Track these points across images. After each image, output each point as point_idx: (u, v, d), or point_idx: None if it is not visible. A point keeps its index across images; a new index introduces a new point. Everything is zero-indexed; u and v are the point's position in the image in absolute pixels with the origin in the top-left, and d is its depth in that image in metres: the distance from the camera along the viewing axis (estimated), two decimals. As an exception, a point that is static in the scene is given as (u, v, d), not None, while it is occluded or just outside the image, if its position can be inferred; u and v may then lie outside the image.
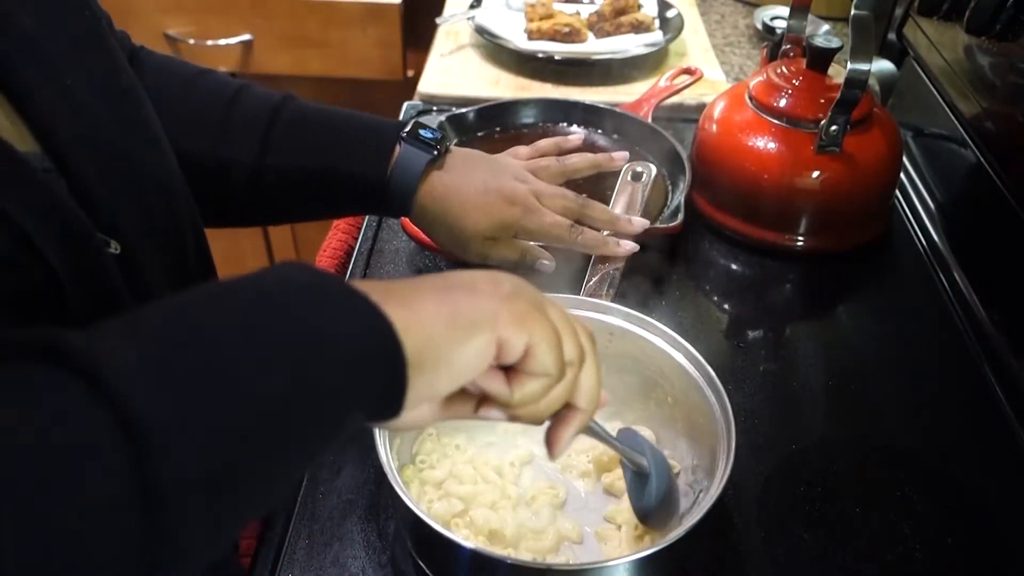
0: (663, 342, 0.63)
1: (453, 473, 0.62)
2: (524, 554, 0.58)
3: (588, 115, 1.02)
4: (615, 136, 1.00)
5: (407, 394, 0.37)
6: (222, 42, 1.59)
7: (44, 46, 0.48)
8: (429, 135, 0.68)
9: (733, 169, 0.88)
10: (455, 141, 0.95)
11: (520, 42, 1.21)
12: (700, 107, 0.99)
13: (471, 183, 0.69)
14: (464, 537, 0.56)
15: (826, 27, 1.24)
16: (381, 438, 0.56)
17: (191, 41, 1.59)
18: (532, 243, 0.72)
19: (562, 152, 0.78)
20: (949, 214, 0.94)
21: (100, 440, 0.28)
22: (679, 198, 0.87)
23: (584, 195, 0.73)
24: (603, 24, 1.24)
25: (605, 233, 0.74)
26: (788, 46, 0.92)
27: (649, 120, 0.99)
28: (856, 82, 0.77)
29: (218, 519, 0.31)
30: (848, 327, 0.85)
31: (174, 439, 0.29)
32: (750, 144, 0.86)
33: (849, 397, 0.75)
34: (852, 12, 0.78)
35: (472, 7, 1.29)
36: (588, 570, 0.53)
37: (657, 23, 1.26)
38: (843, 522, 0.63)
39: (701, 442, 0.62)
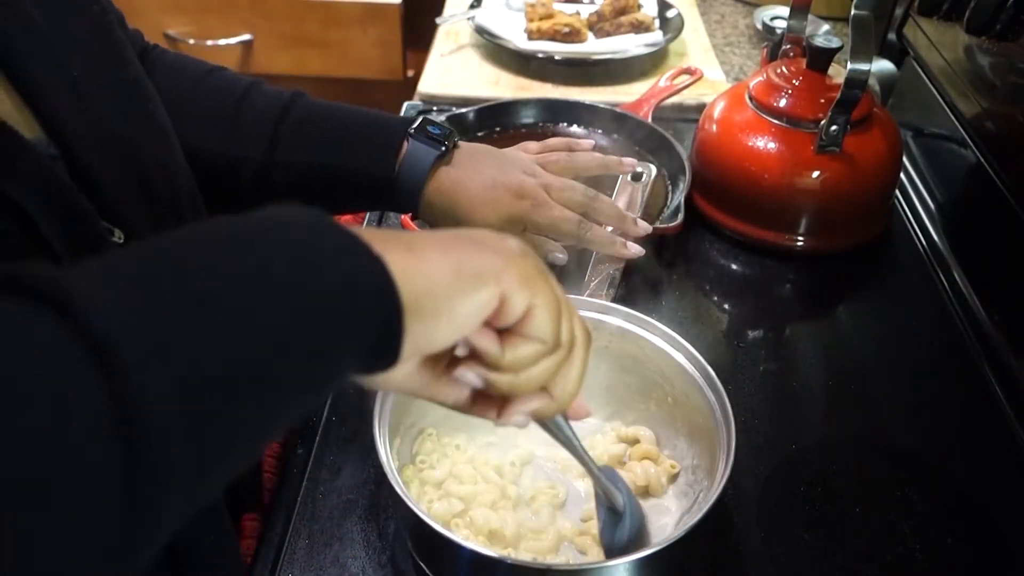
0: (663, 342, 0.63)
1: (453, 473, 0.62)
2: (524, 554, 0.58)
3: (588, 115, 1.02)
4: (615, 136, 1.00)
5: (404, 340, 0.36)
6: (222, 42, 1.59)
7: (51, 37, 0.49)
8: (437, 131, 0.69)
9: (733, 169, 0.88)
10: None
11: (520, 42, 1.21)
12: (700, 107, 0.99)
13: (479, 178, 0.69)
14: (464, 537, 0.56)
15: (826, 27, 1.24)
16: (381, 438, 0.56)
17: (191, 41, 1.59)
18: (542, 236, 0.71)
19: (572, 150, 0.78)
20: (949, 214, 0.94)
21: (70, 367, 0.26)
22: (679, 198, 0.87)
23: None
24: (603, 24, 1.24)
25: (608, 230, 0.74)
26: (788, 46, 0.92)
27: (649, 120, 0.99)
28: (856, 82, 0.77)
29: (201, 454, 0.29)
30: (848, 327, 0.85)
31: (151, 364, 0.27)
32: (750, 144, 0.86)
33: (849, 397, 0.75)
34: (852, 12, 0.78)
35: (472, 7, 1.29)
36: (588, 570, 0.53)
37: (657, 23, 1.26)
38: (843, 522, 0.63)
39: (701, 442, 0.62)
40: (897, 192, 0.96)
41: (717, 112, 0.92)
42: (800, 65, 0.88)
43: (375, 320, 0.35)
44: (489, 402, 0.44)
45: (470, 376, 0.41)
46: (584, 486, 0.64)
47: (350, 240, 0.35)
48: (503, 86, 1.17)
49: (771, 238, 0.88)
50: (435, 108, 1.12)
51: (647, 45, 1.21)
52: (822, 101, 0.84)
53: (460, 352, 0.41)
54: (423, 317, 0.36)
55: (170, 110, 0.59)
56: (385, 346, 0.36)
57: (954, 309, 0.84)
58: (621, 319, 0.65)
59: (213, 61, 0.74)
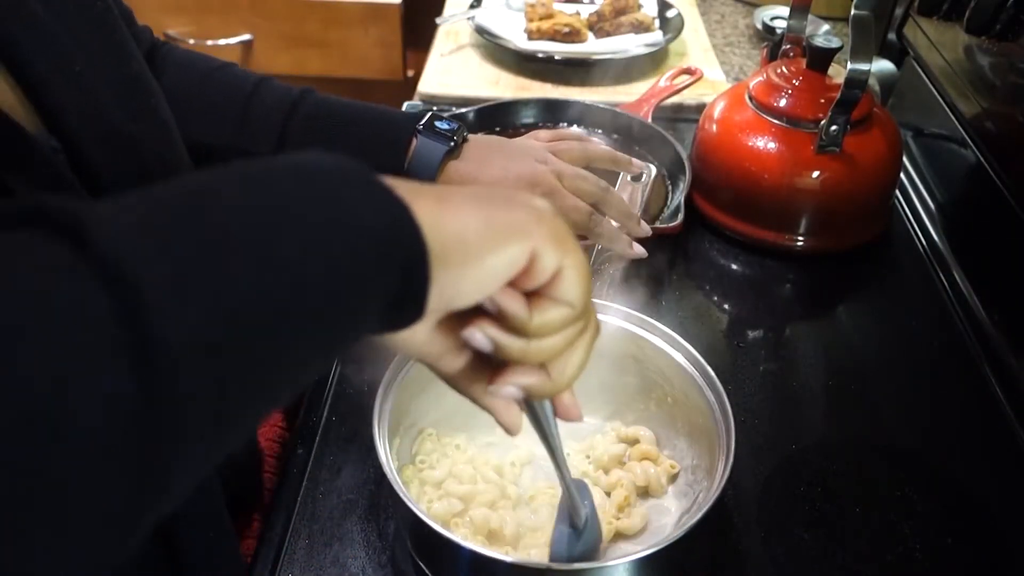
0: (663, 342, 0.63)
1: (453, 473, 0.62)
2: (523, 553, 0.58)
3: (588, 115, 1.02)
4: (615, 136, 1.00)
5: (430, 290, 0.34)
6: (222, 42, 1.59)
7: (54, 32, 0.49)
8: (445, 126, 0.69)
9: (733, 169, 0.88)
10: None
11: (520, 42, 1.21)
12: (700, 107, 0.99)
13: (489, 170, 0.68)
14: (463, 536, 0.56)
15: (826, 27, 1.24)
16: (380, 438, 0.56)
17: (191, 41, 1.59)
18: None
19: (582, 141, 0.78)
20: (949, 214, 0.94)
21: (83, 294, 0.25)
22: (679, 198, 0.87)
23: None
24: (603, 24, 1.24)
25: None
26: (788, 46, 0.92)
27: (649, 120, 0.99)
28: (856, 82, 0.77)
29: (218, 393, 0.27)
30: (848, 327, 0.85)
31: (168, 294, 0.26)
32: (750, 144, 0.86)
33: (849, 397, 0.75)
34: (852, 12, 0.78)
35: (472, 7, 1.29)
36: (588, 570, 0.53)
37: (657, 23, 1.26)
38: (843, 522, 0.63)
39: (701, 442, 0.62)
40: (897, 192, 0.96)
41: (717, 112, 0.92)
42: (800, 65, 0.88)
43: (400, 266, 0.33)
44: (479, 374, 0.42)
45: (479, 337, 0.38)
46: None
47: (377, 186, 0.34)
48: (503, 86, 1.17)
49: (771, 238, 0.88)
50: (435, 108, 1.12)
51: (647, 45, 1.21)
52: (822, 101, 0.84)
53: (487, 307, 0.39)
54: (450, 266, 0.34)
55: (180, 106, 0.59)
56: (411, 295, 0.34)
57: (954, 309, 0.84)
58: (621, 319, 0.65)
59: (215, 60, 0.74)
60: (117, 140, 0.51)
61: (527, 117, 1.03)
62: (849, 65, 0.77)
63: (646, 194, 0.82)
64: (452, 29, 1.30)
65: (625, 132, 0.99)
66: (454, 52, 1.25)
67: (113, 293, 0.25)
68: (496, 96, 1.10)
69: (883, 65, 1.08)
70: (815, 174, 0.85)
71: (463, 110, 0.99)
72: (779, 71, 0.88)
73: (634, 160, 0.79)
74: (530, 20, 1.23)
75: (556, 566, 0.55)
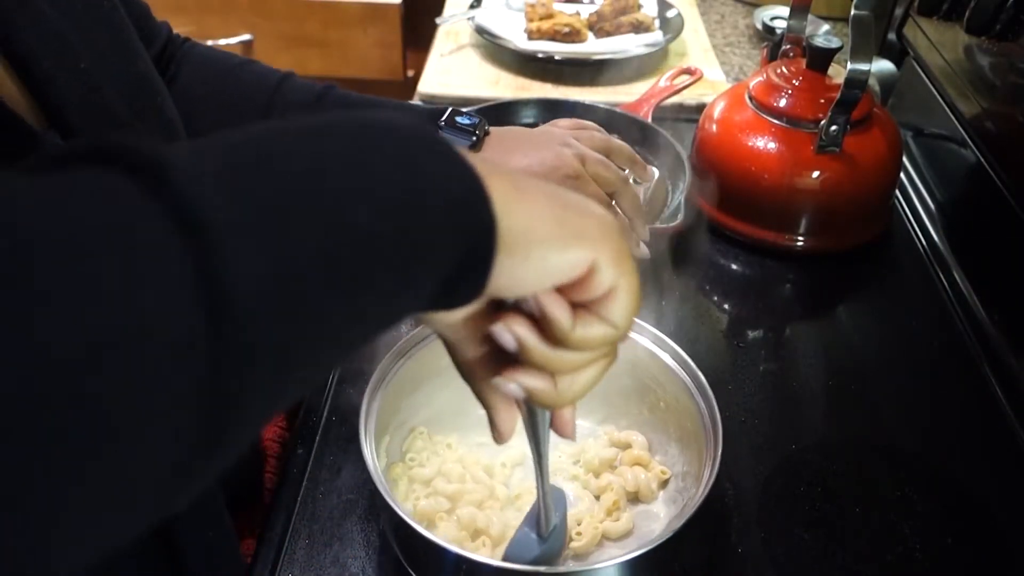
0: (655, 346, 0.63)
1: (442, 471, 0.62)
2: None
3: (588, 115, 1.02)
4: (615, 136, 1.00)
5: (492, 270, 0.33)
6: (222, 42, 1.59)
7: (60, 30, 0.49)
8: (466, 121, 0.69)
9: (733, 169, 0.88)
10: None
11: (520, 42, 1.21)
12: (700, 107, 0.99)
13: (513, 159, 0.68)
14: (445, 533, 0.56)
15: (826, 27, 1.24)
16: (366, 436, 0.55)
17: (191, 41, 1.59)
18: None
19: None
20: (949, 214, 0.94)
21: (160, 237, 0.24)
22: (679, 198, 0.87)
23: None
24: (603, 24, 1.24)
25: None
26: (788, 46, 0.92)
27: (649, 120, 0.99)
28: (856, 82, 0.77)
29: (282, 345, 0.27)
30: (848, 327, 0.85)
31: (243, 244, 0.25)
32: (750, 144, 0.86)
33: (849, 397, 0.75)
34: (852, 12, 0.78)
35: (472, 7, 1.29)
36: (577, 572, 0.53)
37: (657, 23, 1.26)
38: (843, 522, 0.63)
39: (691, 448, 0.61)
40: (897, 192, 0.96)
41: (717, 112, 0.92)
42: (800, 65, 0.88)
43: (467, 244, 0.33)
44: (490, 366, 0.41)
45: (507, 337, 0.37)
46: (572, 488, 0.64)
47: (456, 159, 0.33)
48: (503, 86, 1.17)
49: (771, 238, 0.88)
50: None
51: (647, 45, 1.21)
52: (822, 101, 0.84)
53: (528, 307, 0.38)
54: (513, 254, 0.34)
55: (201, 102, 0.59)
56: (470, 276, 0.34)
57: (954, 309, 0.84)
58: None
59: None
60: None
61: (527, 117, 1.02)
62: (849, 65, 0.77)
63: (647, 197, 0.82)
64: (452, 29, 1.30)
65: (625, 132, 0.99)
66: (454, 52, 1.25)
67: (189, 235, 0.24)
68: (496, 96, 1.10)
69: (883, 65, 1.08)
70: (815, 174, 0.85)
71: (464, 111, 0.99)
72: (779, 71, 0.88)
73: (648, 168, 0.79)
74: (530, 20, 1.23)
75: (544, 570, 0.55)
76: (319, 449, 0.67)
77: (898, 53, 1.09)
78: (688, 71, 1.07)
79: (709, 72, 1.17)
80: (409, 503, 0.60)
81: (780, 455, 0.69)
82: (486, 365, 0.41)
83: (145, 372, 0.23)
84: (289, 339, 0.27)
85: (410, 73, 1.67)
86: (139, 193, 0.25)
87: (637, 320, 0.64)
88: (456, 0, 1.39)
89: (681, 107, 1.11)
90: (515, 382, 0.39)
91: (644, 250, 0.73)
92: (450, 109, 0.69)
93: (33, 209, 0.23)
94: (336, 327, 0.30)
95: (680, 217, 0.83)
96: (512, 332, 0.37)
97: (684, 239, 0.89)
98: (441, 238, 0.32)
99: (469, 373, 0.42)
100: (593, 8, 1.27)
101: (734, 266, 0.89)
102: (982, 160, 0.86)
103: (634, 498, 0.63)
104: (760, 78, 0.89)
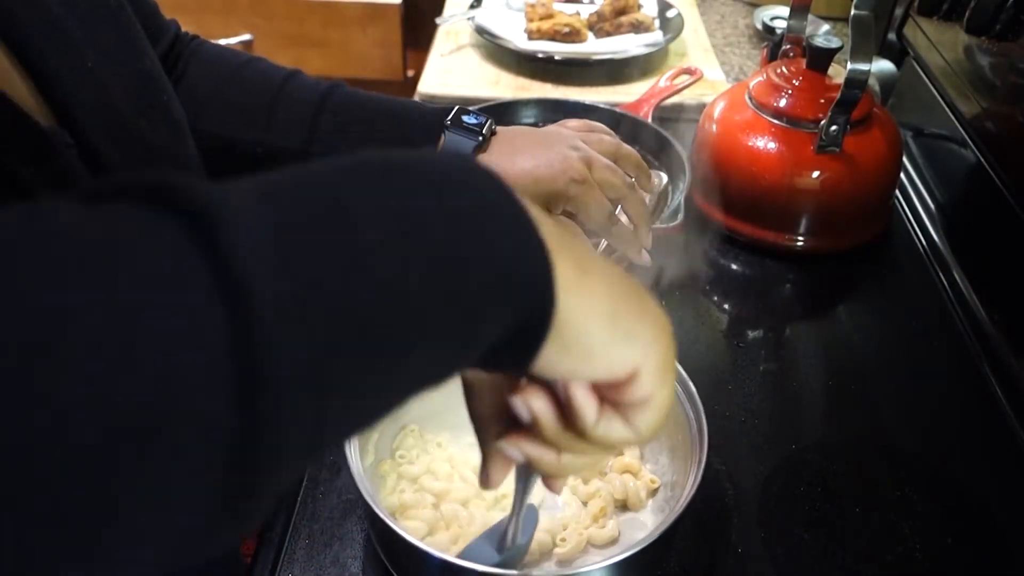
0: None
1: (431, 469, 0.62)
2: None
3: (588, 115, 1.02)
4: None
5: (539, 353, 0.32)
6: (222, 42, 1.59)
7: (67, 27, 0.50)
8: (473, 121, 0.68)
9: (733, 169, 0.88)
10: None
11: (520, 42, 1.21)
12: (700, 107, 0.99)
13: (520, 161, 0.67)
14: (423, 527, 0.56)
15: (826, 27, 1.24)
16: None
17: (191, 41, 1.59)
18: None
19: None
20: (949, 214, 0.94)
21: (200, 301, 0.23)
22: (679, 198, 0.87)
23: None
24: (603, 24, 1.24)
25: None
26: (788, 46, 0.92)
27: (649, 120, 0.99)
28: (856, 82, 0.77)
29: (319, 427, 0.26)
30: (848, 327, 0.85)
31: (283, 324, 0.24)
32: (750, 144, 0.86)
33: (849, 397, 0.75)
34: (852, 12, 0.78)
35: (472, 7, 1.29)
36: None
37: (657, 23, 1.26)
38: (843, 522, 0.63)
39: (680, 458, 0.60)
40: (897, 192, 0.96)
41: (717, 112, 0.92)
42: (800, 65, 0.88)
43: (521, 321, 0.31)
44: (498, 420, 0.41)
45: (523, 412, 0.36)
46: (564, 492, 0.63)
47: (529, 231, 0.31)
48: (503, 86, 1.17)
49: (771, 238, 0.88)
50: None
51: (647, 45, 1.21)
52: (822, 101, 0.84)
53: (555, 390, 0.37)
54: (561, 340, 0.32)
55: (208, 100, 0.59)
56: (516, 351, 0.32)
57: (954, 309, 0.84)
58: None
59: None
60: (127, 135, 0.51)
61: (527, 117, 1.02)
62: (849, 65, 0.77)
63: (653, 203, 0.82)
64: (452, 29, 1.30)
65: (625, 132, 0.99)
66: (454, 52, 1.25)
67: (232, 305, 0.23)
68: (496, 96, 1.10)
69: (883, 65, 1.08)
70: (815, 174, 0.85)
71: (470, 110, 0.99)
72: (779, 71, 0.88)
73: (655, 174, 0.79)
74: (530, 20, 1.23)
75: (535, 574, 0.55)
76: (319, 449, 0.67)
77: (898, 53, 1.09)
78: (688, 71, 1.07)
79: (709, 72, 1.17)
80: (394, 496, 0.60)
81: (780, 455, 0.69)
82: (498, 419, 0.40)
83: (177, 429, 0.23)
84: (324, 420, 0.26)
85: (410, 73, 1.67)
86: (188, 244, 0.24)
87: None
88: (456, 0, 1.39)
89: (681, 107, 1.11)
90: (519, 450, 0.38)
91: (646, 258, 0.73)
92: (456, 108, 0.69)
93: (75, 249, 0.22)
94: (376, 393, 0.29)
95: (680, 217, 0.83)
96: (530, 408, 0.36)
97: (684, 239, 0.89)
98: (495, 312, 0.30)
99: (479, 419, 0.41)
100: (593, 8, 1.27)
101: (734, 266, 0.89)
102: (982, 160, 0.86)
103: (622, 506, 0.61)
104: (760, 78, 0.89)
